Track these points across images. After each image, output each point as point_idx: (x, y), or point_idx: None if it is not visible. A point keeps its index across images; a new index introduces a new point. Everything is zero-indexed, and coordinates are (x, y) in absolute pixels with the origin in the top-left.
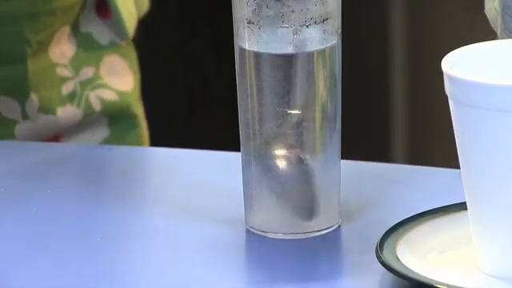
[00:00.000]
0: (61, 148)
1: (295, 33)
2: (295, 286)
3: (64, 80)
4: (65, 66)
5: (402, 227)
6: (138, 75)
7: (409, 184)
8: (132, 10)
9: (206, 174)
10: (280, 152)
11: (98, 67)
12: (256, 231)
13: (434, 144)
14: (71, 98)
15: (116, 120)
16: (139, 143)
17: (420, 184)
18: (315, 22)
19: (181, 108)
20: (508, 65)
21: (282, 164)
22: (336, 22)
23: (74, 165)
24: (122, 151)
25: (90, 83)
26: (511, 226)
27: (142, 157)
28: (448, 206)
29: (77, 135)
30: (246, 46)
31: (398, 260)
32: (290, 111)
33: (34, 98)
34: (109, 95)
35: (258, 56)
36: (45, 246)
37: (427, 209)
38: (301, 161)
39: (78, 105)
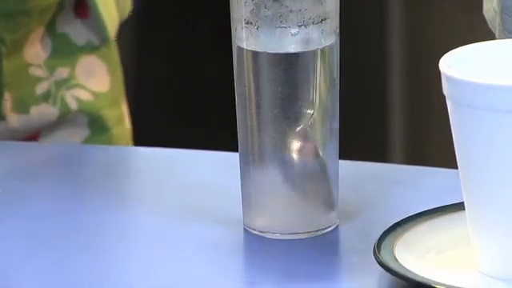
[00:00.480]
0: (57, 148)
1: (294, 33)
2: (293, 286)
3: (38, 80)
4: (39, 66)
5: (400, 227)
6: (118, 76)
7: (407, 184)
8: (113, 11)
9: (204, 174)
10: (278, 151)
11: (73, 68)
12: (254, 231)
13: (431, 144)
14: (46, 97)
15: (94, 120)
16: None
17: (418, 184)
18: (313, 22)
19: (179, 108)
20: (506, 65)
21: (280, 163)
22: (334, 22)
23: (70, 165)
24: (119, 151)
25: (65, 83)
26: (509, 226)
27: (139, 157)
28: (446, 206)
29: (55, 134)
30: (244, 46)
31: (396, 260)
32: (288, 111)
33: (7, 96)
34: (84, 95)
35: (256, 56)
36: (41, 245)
37: (425, 209)
38: (299, 161)
39: (54, 103)
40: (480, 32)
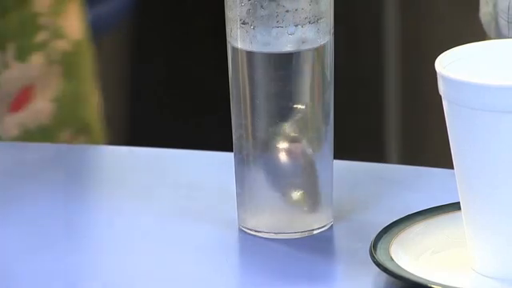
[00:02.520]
0: (50, 148)
1: (290, 33)
2: (288, 286)
3: (40, 28)
4: (45, 15)
5: (396, 227)
6: (81, 13)
7: (402, 184)
8: None
9: (198, 174)
10: (273, 151)
11: (61, 16)
12: (249, 231)
13: (427, 144)
14: (42, 46)
15: (68, 69)
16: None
17: (414, 184)
18: (309, 22)
19: (173, 108)
20: (501, 65)
21: (274, 163)
22: (329, 22)
23: (63, 165)
24: (113, 151)
25: (56, 32)
26: (505, 225)
27: (134, 157)
28: (442, 205)
29: (42, 84)
30: (239, 46)
31: (392, 260)
32: (283, 111)
33: (11, 46)
34: (65, 46)
35: (251, 56)
36: (35, 246)
37: (421, 209)
38: (294, 160)
39: (45, 54)
40: (476, 32)
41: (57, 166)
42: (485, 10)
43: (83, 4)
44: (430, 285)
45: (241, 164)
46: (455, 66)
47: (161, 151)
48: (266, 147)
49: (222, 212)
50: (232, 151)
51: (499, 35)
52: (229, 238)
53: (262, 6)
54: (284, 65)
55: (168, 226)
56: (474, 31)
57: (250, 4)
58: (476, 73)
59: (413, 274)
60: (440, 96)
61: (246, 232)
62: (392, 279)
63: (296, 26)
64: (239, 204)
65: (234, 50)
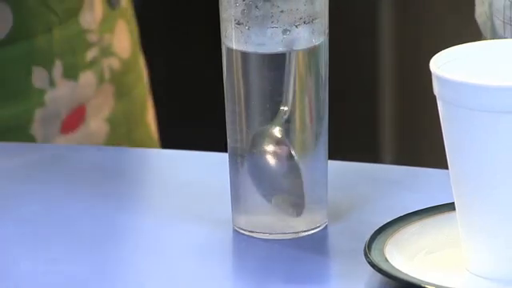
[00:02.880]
0: (50, 149)
1: (285, 33)
2: (283, 286)
3: (90, 46)
4: (93, 32)
5: (391, 227)
6: (135, 34)
7: (397, 184)
8: None
9: (193, 175)
10: (267, 152)
11: (112, 33)
12: (243, 231)
13: (422, 144)
14: (92, 64)
15: (119, 88)
16: (144, 99)
17: (408, 184)
18: (304, 22)
19: (169, 108)
20: (496, 65)
21: (269, 164)
22: (324, 22)
23: (62, 166)
24: (110, 152)
25: (106, 50)
26: (499, 226)
27: (129, 158)
28: (436, 206)
29: (94, 104)
30: (234, 46)
31: (387, 261)
32: (277, 111)
33: (58, 64)
34: (115, 64)
35: (245, 56)
36: (34, 247)
37: (416, 209)
38: (288, 160)
39: (95, 72)
40: (470, 32)
41: (56, 166)
42: (480, 10)
43: (131, 22)
44: (424, 285)
45: (235, 164)
46: (450, 66)
47: (155, 152)
48: (261, 147)
49: (216, 212)
50: (226, 151)
51: (495, 35)
52: (223, 239)
53: (256, 7)
54: (278, 65)
55: (162, 225)
56: (468, 32)
57: (245, 4)
58: (471, 73)
59: (407, 275)
60: (435, 96)
61: (240, 232)
62: (386, 280)
63: (291, 26)
64: (233, 204)
65: (229, 50)
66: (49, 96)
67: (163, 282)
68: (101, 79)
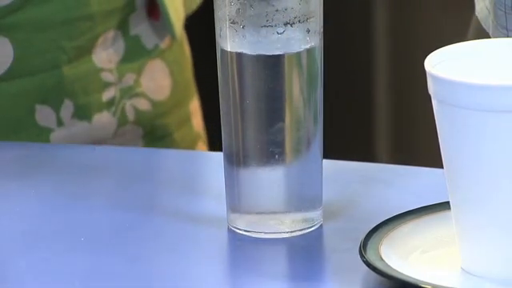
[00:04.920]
0: (46, 148)
1: (279, 32)
2: (278, 285)
3: (106, 85)
4: (110, 71)
5: (386, 226)
6: (184, 75)
7: (392, 183)
8: (180, 8)
9: (188, 174)
10: (262, 151)
11: (140, 73)
12: (238, 230)
13: (417, 144)
14: (109, 105)
15: (149, 131)
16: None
17: (403, 183)
18: (299, 21)
19: None
20: (490, 64)
21: (263, 163)
22: (319, 21)
23: (58, 165)
24: (106, 151)
25: (129, 91)
26: (494, 225)
27: (125, 157)
28: (431, 205)
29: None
30: (228, 46)
31: (382, 259)
32: (272, 111)
33: (69, 103)
34: (143, 105)
35: (240, 57)
36: (29, 245)
37: (411, 208)
38: (283, 160)
39: (114, 113)
40: (465, 31)
41: (52, 164)
42: (481, 6)
43: (174, 64)
44: (419, 284)
45: (230, 164)
46: (444, 65)
47: (151, 151)
48: (256, 147)
49: (211, 211)
50: (221, 150)
51: (497, 28)
52: (218, 238)
53: (251, 6)
54: (272, 66)
55: (157, 224)
56: (463, 30)
57: (240, 3)
58: (465, 72)
59: (402, 274)
60: (430, 95)
61: (235, 231)
62: (381, 279)
63: (285, 25)
64: (228, 203)
65: (223, 49)
66: (55, 135)
67: (158, 280)
68: (123, 121)
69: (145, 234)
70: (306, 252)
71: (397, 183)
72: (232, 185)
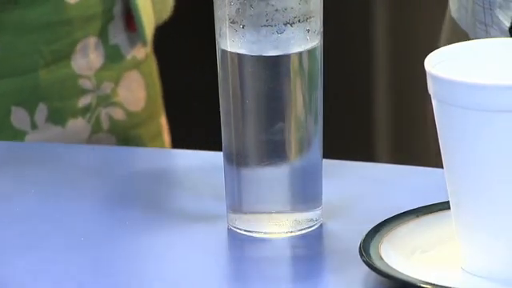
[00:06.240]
0: (46, 147)
1: (279, 31)
2: (278, 285)
3: (84, 92)
4: (88, 78)
5: (386, 226)
6: (156, 89)
7: (392, 183)
8: (151, 18)
9: (188, 174)
10: (262, 151)
11: (117, 83)
12: (238, 230)
13: (417, 144)
14: (85, 111)
15: (123, 140)
16: None
17: (403, 183)
18: (299, 21)
19: (165, 108)
20: (490, 64)
21: (263, 163)
22: (318, 21)
23: (58, 164)
24: (104, 151)
25: (106, 99)
26: (494, 224)
27: (124, 157)
28: (431, 205)
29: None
30: (228, 46)
31: (382, 259)
32: (272, 111)
33: (43, 107)
34: (118, 114)
35: (240, 57)
36: (28, 245)
37: (411, 208)
38: (283, 160)
39: (89, 120)
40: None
41: (50, 164)
42: (457, 6)
43: (150, 77)
44: (419, 284)
45: (229, 164)
46: (444, 65)
47: (150, 150)
48: (256, 147)
49: (211, 211)
50: (221, 150)
51: (476, 22)
52: (218, 238)
53: (251, 5)
54: (273, 65)
55: (157, 224)
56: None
57: (239, 3)
58: (465, 72)
59: (402, 273)
60: (430, 95)
61: (235, 231)
62: (382, 278)
63: (285, 25)
64: (228, 203)
65: (223, 49)
66: (30, 138)
67: (158, 280)
68: (97, 128)
69: (145, 234)
70: (306, 252)
71: (397, 183)
72: (232, 185)
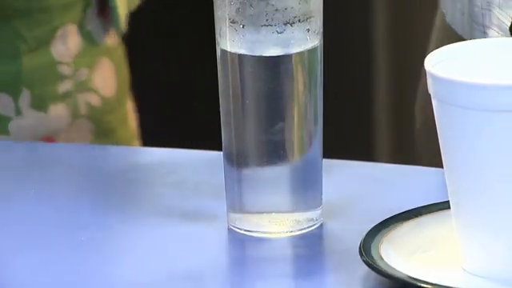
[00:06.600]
0: (46, 147)
1: (279, 31)
2: (278, 285)
3: (62, 78)
4: (67, 64)
5: (386, 226)
6: (124, 75)
7: (392, 183)
8: (124, 4)
9: (189, 173)
10: (262, 151)
11: (92, 69)
12: (239, 230)
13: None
14: (64, 97)
15: (98, 126)
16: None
17: (403, 183)
18: (299, 21)
19: (163, 107)
20: (490, 63)
21: (263, 163)
22: (319, 21)
23: (58, 164)
24: (105, 151)
25: (83, 85)
26: (494, 224)
27: (124, 156)
28: (431, 204)
29: (66, 138)
30: (228, 46)
31: (382, 259)
32: (272, 111)
33: (27, 93)
34: (95, 100)
35: (240, 57)
36: (29, 245)
37: (411, 207)
38: (283, 160)
39: (68, 106)
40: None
41: (51, 165)
42: (451, 11)
43: (120, 63)
44: (419, 284)
45: (230, 164)
46: (444, 65)
47: (151, 150)
48: (255, 147)
49: (211, 211)
50: (221, 150)
51: (473, 23)
52: (218, 237)
53: (251, 5)
54: (273, 65)
55: (157, 224)
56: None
57: (240, 3)
58: (465, 72)
59: (402, 273)
60: (430, 95)
61: (235, 231)
62: (382, 278)
63: (285, 24)
64: (228, 203)
65: (223, 49)
66: (14, 124)
67: (158, 280)
68: (75, 114)
69: (145, 234)
70: (306, 252)
71: (397, 182)
72: (232, 185)
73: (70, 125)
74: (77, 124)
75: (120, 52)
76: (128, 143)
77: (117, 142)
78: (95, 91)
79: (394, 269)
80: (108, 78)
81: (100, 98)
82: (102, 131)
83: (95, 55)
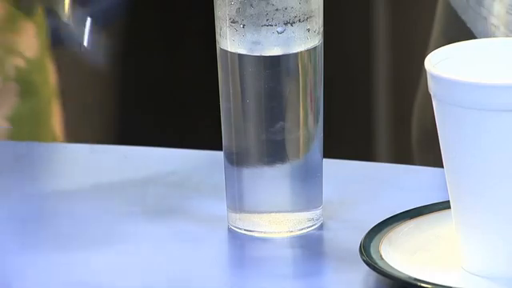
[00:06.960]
0: (46, 147)
1: (280, 31)
2: (278, 285)
3: None
4: None
5: (386, 226)
6: (43, 37)
7: (392, 182)
8: None
9: (189, 173)
10: (262, 151)
11: (17, 32)
12: (239, 230)
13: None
14: None
15: (24, 87)
16: (42, 111)
17: (404, 182)
18: (299, 20)
19: (163, 107)
20: (490, 63)
21: (264, 162)
22: (319, 21)
23: (58, 164)
24: (104, 150)
25: (11, 48)
26: (494, 224)
27: (123, 155)
28: (431, 204)
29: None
30: (228, 46)
31: (382, 259)
32: (272, 111)
33: None
34: (21, 62)
35: (240, 56)
36: (29, 245)
37: (411, 207)
38: (283, 160)
39: (1, 71)
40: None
41: (49, 164)
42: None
43: (41, 21)
44: (419, 283)
45: (230, 164)
46: (444, 64)
47: (150, 150)
48: (256, 147)
49: (211, 211)
50: (222, 150)
51: (484, 24)
52: (219, 237)
53: (251, 5)
54: (273, 66)
55: (157, 224)
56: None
57: (240, 2)
58: (465, 71)
59: (403, 273)
60: (430, 95)
61: (235, 231)
62: (382, 278)
63: (285, 24)
64: (228, 203)
65: (223, 49)
66: None
67: (158, 280)
68: (5, 78)
69: (145, 234)
70: (306, 251)
71: (397, 182)
72: (232, 184)
73: (1, 90)
74: (4, 88)
75: (38, 13)
76: (49, 103)
77: (39, 103)
78: (21, 54)
79: (394, 269)
80: (31, 40)
81: (25, 59)
82: (27, 92)
83: (19, 19)
